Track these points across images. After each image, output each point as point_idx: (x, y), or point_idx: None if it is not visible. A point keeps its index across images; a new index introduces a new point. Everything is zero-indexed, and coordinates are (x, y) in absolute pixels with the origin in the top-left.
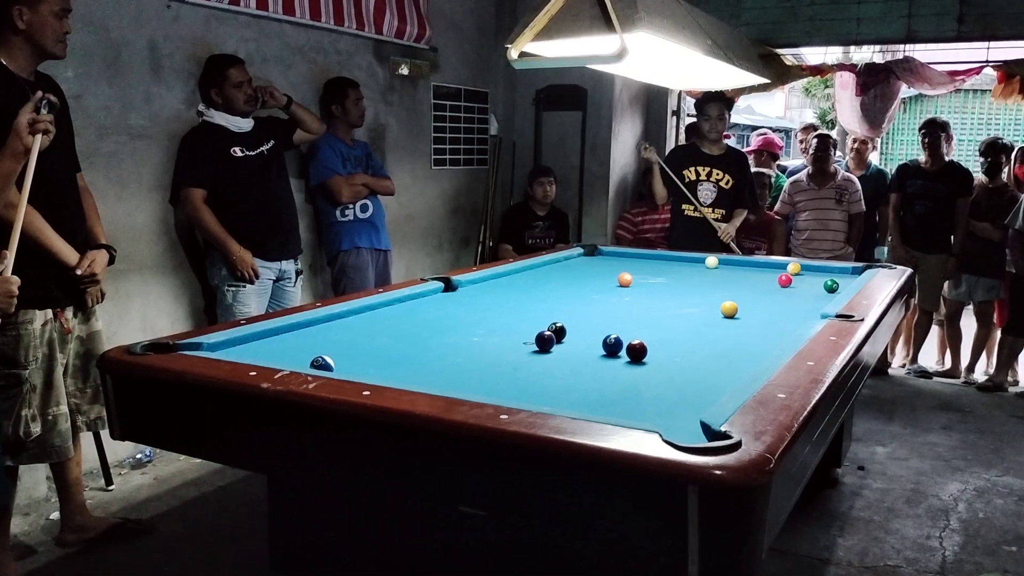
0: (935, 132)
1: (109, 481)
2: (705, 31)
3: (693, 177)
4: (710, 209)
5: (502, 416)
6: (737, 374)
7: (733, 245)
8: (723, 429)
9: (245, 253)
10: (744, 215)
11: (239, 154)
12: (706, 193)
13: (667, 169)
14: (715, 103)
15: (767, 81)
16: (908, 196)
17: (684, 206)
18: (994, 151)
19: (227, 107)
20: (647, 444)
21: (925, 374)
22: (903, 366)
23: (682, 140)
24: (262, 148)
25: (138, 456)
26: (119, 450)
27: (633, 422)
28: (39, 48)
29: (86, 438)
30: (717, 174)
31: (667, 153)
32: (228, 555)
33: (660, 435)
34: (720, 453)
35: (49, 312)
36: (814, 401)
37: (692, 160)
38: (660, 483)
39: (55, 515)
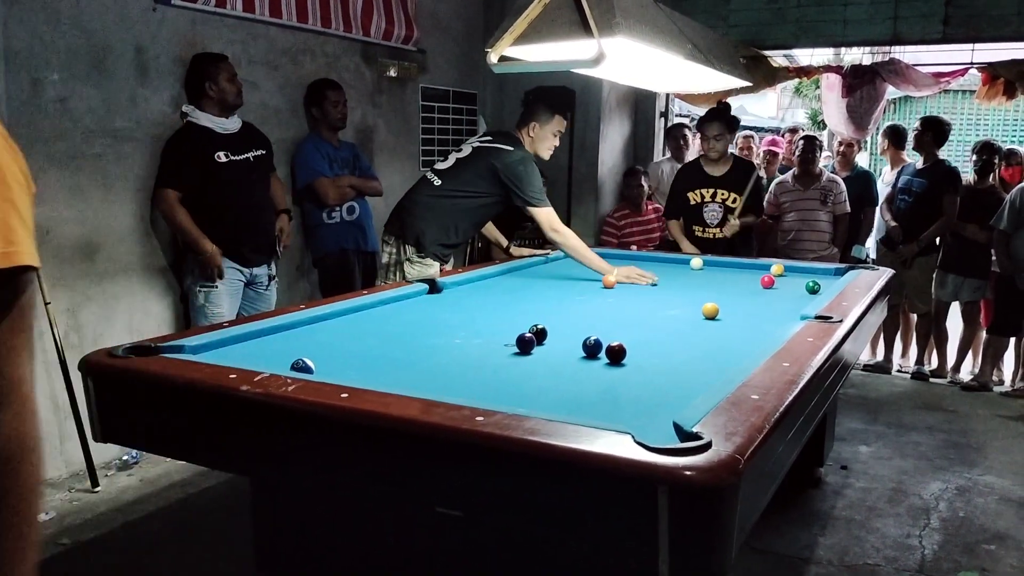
0: (924, 129)
1: (95, 483)
2: (685, 35)
3: (698, 200)
4: (717, 229)
5: (478, 418)
6: (714, 375)
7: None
8: (695, 430)
9: (215, 254)
10: (742, 204)
11: (223, 159)
12: (712, 214)
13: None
14: (714, 123)
15: (749, 84)
16: (892, 193)
17: (693, 227)
18: (989, 151)
19: (220, 100)
20: (619, 445)
21: (922, 375)
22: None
23: (660, 143)
24: (248, 154)
25: (124, 458)
26: (105, 452)
27: (607, 423)
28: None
29: (73, 439)
30: (723, 194)
31: (650, 163)
32: (214, 556)
33: (632, 436)
34: (690, 454)
35: None
36: (787, 402)
37: (697, 182)
38: (631, 483)
39: (41, 517)
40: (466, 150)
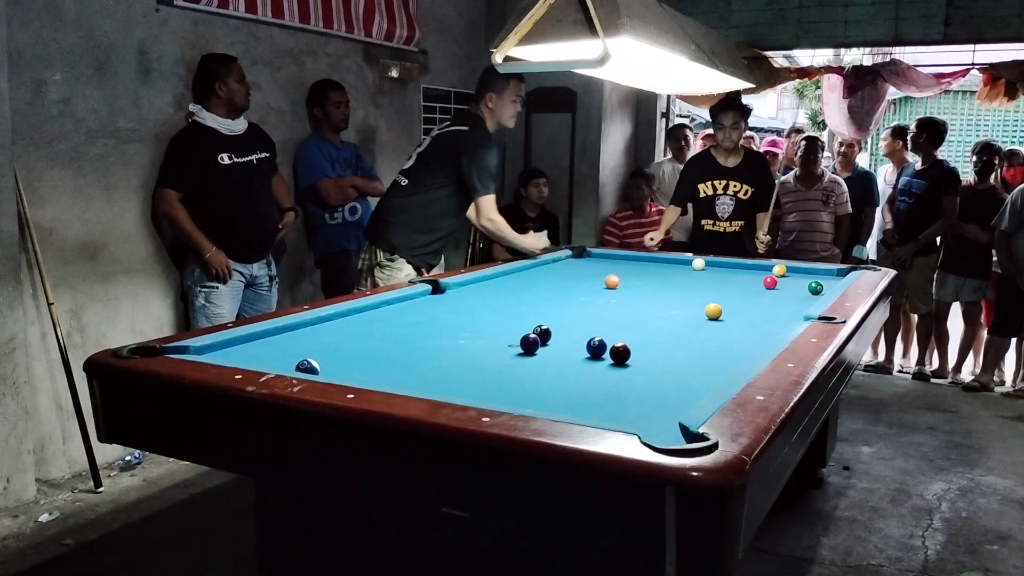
0: (920, 131)
1: (98, 483)
2: (689, 36)
3: (710, 192)
4: (728, 223)
5: (484, 419)
6: (718, 376)
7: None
8: (701, 431)
9: (219, 253)
10: (768, 219)
11: (226, 161)
12: (723, 207)
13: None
14: (729, 112)
15: (752, 85)
16: (893, 194)
17: (703, 221)
18: (989, 152)
19: (228, 101)
20: (626, 446)
21: (923, 375)
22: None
23: (662, 144)
24: (252, 156)
25: (127, 458)
26: (108, 452)
27: (613, 424)
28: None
29: (76, 440)
30: (735, 186)
31: (651, 163)
32: (216, 557)
33: (639, 437)
34: (697, 455)
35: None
36: (793, 403)
37: (708, 174)
38: (638, 484)
39: (44, 517)
40: (425, 142)
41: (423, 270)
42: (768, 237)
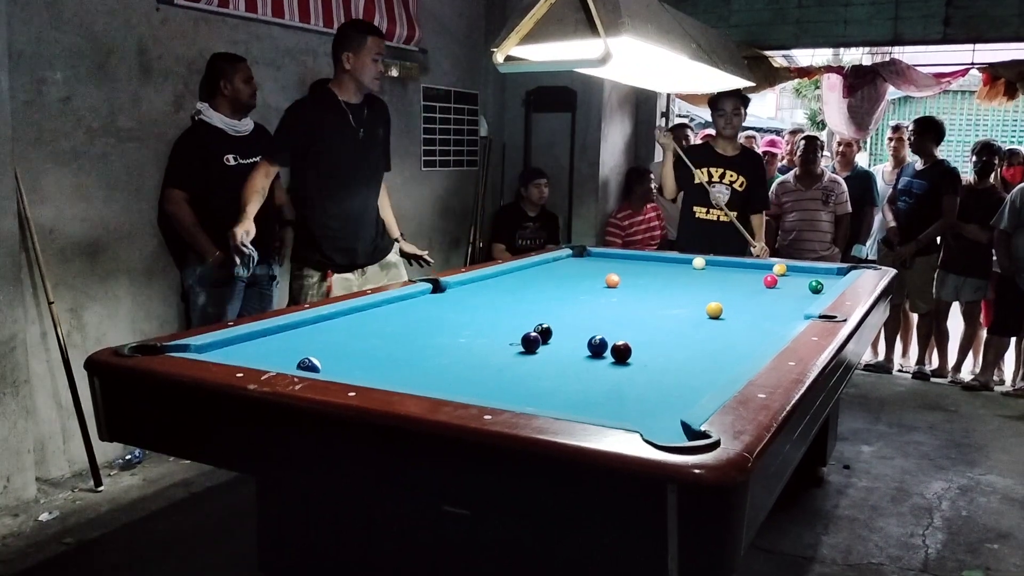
0: (917, 131)
1: (98, 482)
2: (690, 35)
3: (705, 178)
4: (721, 211)
5: (486, 416)
6: (720, 374)
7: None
8: (703, 429)
9: (221, 256)
10: (764, 221)
11: (231, 162)
12: (717, 195)
13: (684, 158)
14: (731, 98)
15: (753, 84)
16: (894, 194)
17: (695, 208)
18: (989, 152)
19: (233, 100)
20: (628, 444)
21: (923, 375)
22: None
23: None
24: (257, 158)
25: (127, 457)
26: (108, 451)
27: (615, 422)
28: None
29: (76, 439)
30: (731, 176)
31: (651, 163)
32: (217, 556)
33: (641, 435)
34: (699, 452)
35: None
36: (794, 401)
37: (706, 161)
38: (640, 482)
39: (44, 516)
40: None
41: (328, 272)
42: (764, 247)
